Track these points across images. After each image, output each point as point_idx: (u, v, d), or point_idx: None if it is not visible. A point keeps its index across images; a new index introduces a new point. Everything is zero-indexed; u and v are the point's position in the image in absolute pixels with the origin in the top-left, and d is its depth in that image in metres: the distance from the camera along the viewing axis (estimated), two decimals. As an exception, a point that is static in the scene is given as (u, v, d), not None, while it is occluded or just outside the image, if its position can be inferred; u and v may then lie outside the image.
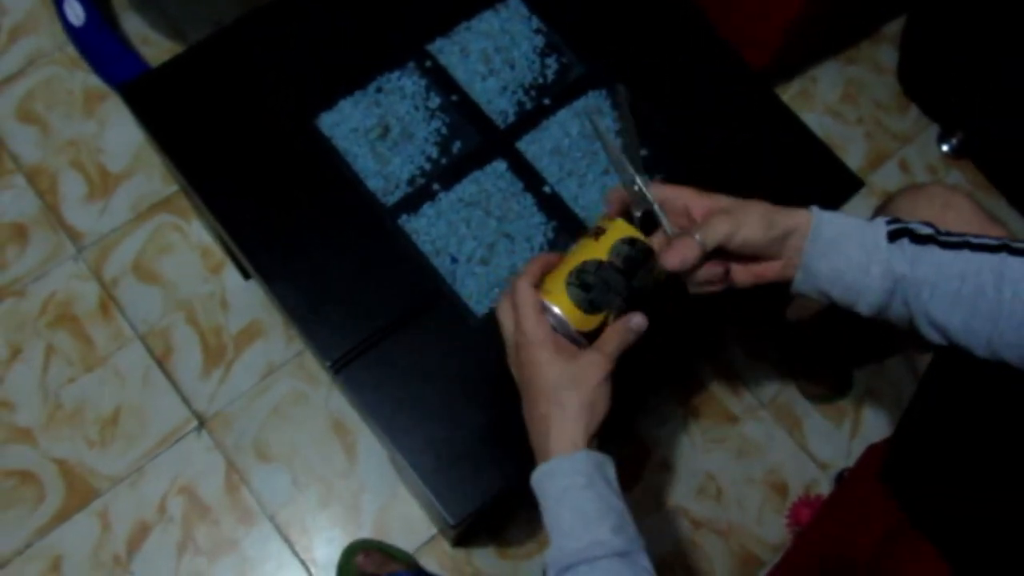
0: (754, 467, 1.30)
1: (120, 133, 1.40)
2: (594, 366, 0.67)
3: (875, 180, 1.51)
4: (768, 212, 0.68)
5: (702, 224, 0.68)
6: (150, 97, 0.94)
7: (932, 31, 1.48)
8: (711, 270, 0.70)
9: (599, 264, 0.69)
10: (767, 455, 1.31)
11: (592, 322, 0.69)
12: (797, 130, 1.00)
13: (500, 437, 0.82)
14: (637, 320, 0.69)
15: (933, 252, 0.66)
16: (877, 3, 1.61)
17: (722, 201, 0.69)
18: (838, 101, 1.56)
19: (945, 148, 1.55)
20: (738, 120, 1.00)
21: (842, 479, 1.28)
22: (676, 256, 0.67)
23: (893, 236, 0.67)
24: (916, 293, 0.66)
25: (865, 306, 0.68)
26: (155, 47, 1.47)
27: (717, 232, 0.67)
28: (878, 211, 0.93)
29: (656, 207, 0.71)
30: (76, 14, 1.40)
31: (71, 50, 1.45)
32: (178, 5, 1.50)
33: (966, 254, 0.65)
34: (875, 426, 1.34)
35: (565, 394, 0.66)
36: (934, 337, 0.68)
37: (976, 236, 0.67)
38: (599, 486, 0.64)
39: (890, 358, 1.34)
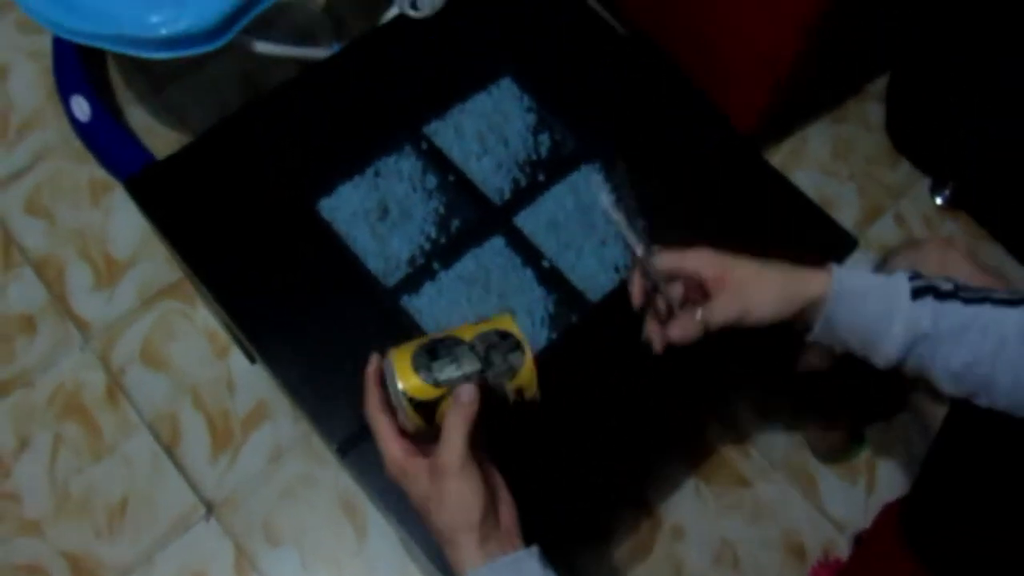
0: (770, 530, 1.29)
1: (126, 221, 1.43)
2: (449, 475, 0.62)
3: (871, 235, 1.52)
4: (786, 285, 0.67)
5: (711, 302, 0.67)
6: (154, 190, 0.96)
7: (916, 85, 1.51)
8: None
9: (458, 341, 0.65)
10: (782, 517, 1.30)
11: (427, 392, 0.64)
12: (789, 192, 1.02)
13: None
14: (467, 390, 0.63)
15: (955, 307, 0.66)
16: (861, 62, 1.64)
17: (736, 269, 0.68)
18: (829, 159, 1.58)
19: (939, 200, 1.57)
20: (730, 186, 1.01)
21: (860, 539, 1.26)
22: (677, 330, 0.67)
23: (917, 294, 0.67)
24: (936, 347, 0.66)
25: (882, 358, 0.68)
26: (160, 137, 1.50)
27: (725, 315, 0.66)
28: (876, 271, 0.94)
29: (658, 280, 0.71)
30: (82, 110, 1.44)
31: (77, 144, 1.48)
32: (182, 96, 1.54)
33: (987, 308, 0.66)
34: (890, 483, 1.33)
35: (436, 518, 0.62)
36: (950, 389, 0.68)
37: (996, 291, 0.68)
38: None
39: (899, 414, 1.33)
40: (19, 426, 1.28)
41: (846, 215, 1.53)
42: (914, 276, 0.69)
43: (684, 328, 0.67)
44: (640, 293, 0.72)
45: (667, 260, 0.71)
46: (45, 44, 1.54)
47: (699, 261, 0.70)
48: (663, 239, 0.95)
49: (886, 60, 1.64)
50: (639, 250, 0.71)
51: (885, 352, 0.67)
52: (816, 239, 0.99)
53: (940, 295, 0.67)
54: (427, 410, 0.65)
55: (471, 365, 0.65)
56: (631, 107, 1.05)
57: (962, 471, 0.79)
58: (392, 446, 0.65)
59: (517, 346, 0.66)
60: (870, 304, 0.67)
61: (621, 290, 0.93)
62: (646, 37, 1.53)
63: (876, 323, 0.67)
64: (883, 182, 1.58)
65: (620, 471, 0.90)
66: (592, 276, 0.93)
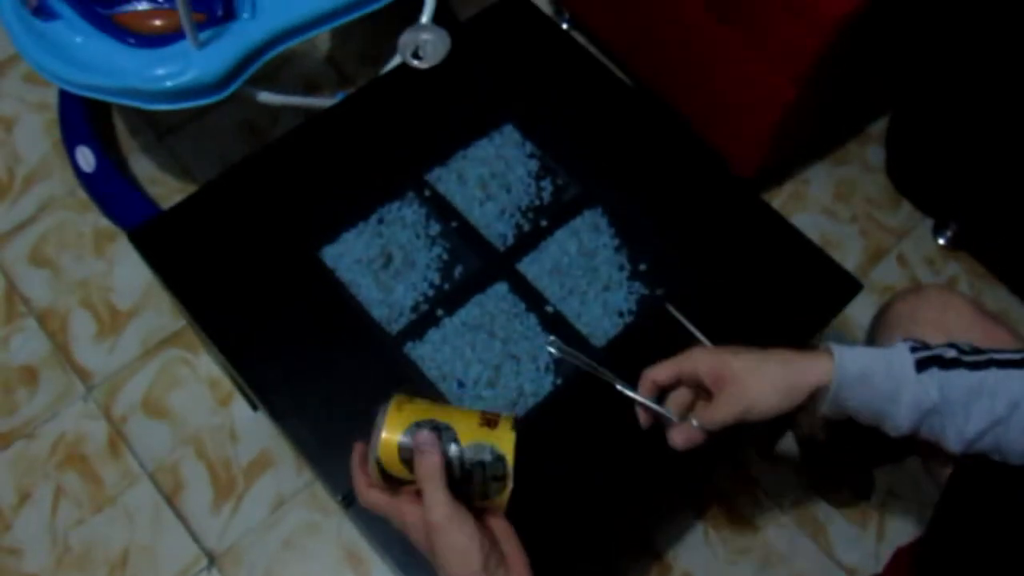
0: (780, 577, 1.27)
1: (129, 271, 1.43)
2: (440, 530, 0.61)
3: (875, 276, 1.52)
4: (786, 377, 0.67)
5: (712, 403, 0.67)
6: (158, 240, 0.96)
7: (917, 127, 1.52)
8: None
9: (454, 438, 0.64)
10: (792, 564, 1.28)
11: (397, 470, 0.64)
12: (791, 236, 1.02)
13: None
14: (424, 438, 0.63)
15: (961, 375, 0.66)
16: (861, 104, 1.66)
17: (733, 364, 0.67)
18: (831, 201, 1.59)
19: (941, 240, 1.57)
20: (732, 230, 1.02)
21: (872, 585, 1.24)
22: (681, 437, 0.67)
23: (921, 366, 0.67)
24: (947, 418, 0.66)
25: (892, 430, 0.68)
26: (163, 187, 1.52)
27: (726, 415, 0.66)
28: (877, 319, 0.94)
29: (651, 404, 0.71)
30: (87, 160, 1.45)
31: (82, 194, 1.50)
32: (186, 146, 1.56)
33: (993, 372, 0.66)
34: (901, 528, 1.31)
35: (440, 572, 0.62)
36: (963, 451, 0.68)
37: (999, 351, 0.67)
38: None
39: (909, 457, 1.32)
40: (20, 478, 1.27)
41: (848, 257, 1.53)
42: (916, 347, 0.68)
43: (687, 435, 0.67)
44: (647, 418, 0.73)
45: (664, 371, 0.71)
46: (51, 96, 1.56)
47: (695, 363, 0.69)
48: (665, 284, 0.96)
49: (886, 102, 1.66)
50: (621, 386, 0.70)
51: (895, 427, 0.67)
52: (819, 282, 0.99)
53: (945, 364, 0.67)
54: (392, 481, 0.65)
55: (454, 465, 0.64)
56: (632, 153, 1.06)
57: (975, 516, 0.78)
58: (392, 509, 0.65)
59: (502, 476, 0.65)
60: (876, 384, 0.66)
61: (625, 335, 0.93)
62: (645, 84, 1.55)
63: (884, 402, 0.66)
64: (885, 224, 1.58)
65: (628, 517, 0.89)
66: (596, 321, 0.93)
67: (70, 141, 1.49)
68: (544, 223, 0.99)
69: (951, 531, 0.80)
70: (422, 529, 0.63)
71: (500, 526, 0.66)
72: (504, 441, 0.65)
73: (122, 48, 1.15)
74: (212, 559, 1.23)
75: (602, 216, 1.00)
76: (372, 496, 0.67)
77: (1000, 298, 1.52)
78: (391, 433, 0.64)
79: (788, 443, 1.35)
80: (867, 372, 0.66)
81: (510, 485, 0.65)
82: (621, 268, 0.96)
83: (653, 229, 0.99)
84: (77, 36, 1.16)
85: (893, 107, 1.59)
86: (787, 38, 1.22)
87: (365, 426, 0.86)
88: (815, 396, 0.67)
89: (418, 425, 0.64)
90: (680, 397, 0.74)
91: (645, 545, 1.27)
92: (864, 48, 1.29)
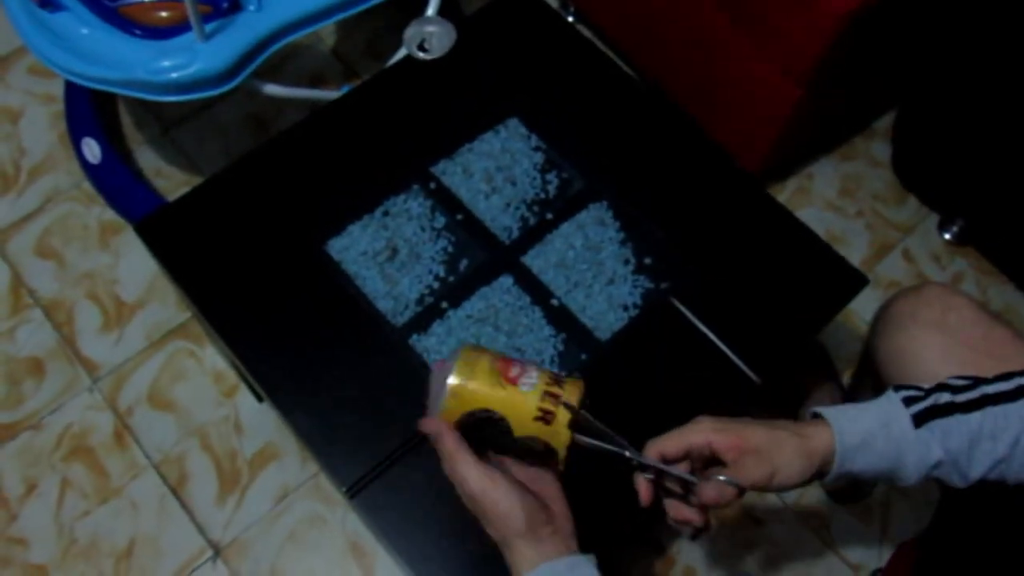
0: (783, 573, 1.27)
1: (135, 263, 1.43)
2: (479, 498, 0.64)
3: (880, 272, 1.52)
4: (802, 444, 0.66)
5: (739, 465, 0.66)
6: (164, 232, 0.96)
7: (923, 122, 1.52)
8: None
9: (508, 430, 0.65)
10: (796, 559, 1.28)
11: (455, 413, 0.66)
12: (797, 230, 1.02)
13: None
14: (428, 424, 0.66)
15: (960, 422, 0.66)
16: (867, 100, 1.66)
17: (748, 433, 0.67)
18: (836, 196, 1.59)
19: (947, 236, 1.57)
20: (737, 225, 1.01)
21: (876, 580, 1.24)
22: (715, 492, 0.65)
23: (919, 420, 0.66)
24: (953, 467, 0.66)
25: (901, 484, 0.68)
26: (169, 180, 1.52)
27: (756, 477, 0.65)
28: (878, 317, 0.94)
29: (674, 471, 0.68)
30: (92, 152, 1.45)
31: (87, 186, 1.50)
32: (191, 139, 1.56)
33: (989, 411, 0.65)
34: (904, 524, 1.31)
35: (487, 530, 0.65)
36: (966, 487, 0.68)
37: (989, 383, 0.67)
38: None
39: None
40: (26, 469, 1.28)
41: (854, 253, 1.53)
42: (909, 398, 0.67)
43: (719, 490, 0.65)
44: (648, 491, 0.70)
45: (672, 443, 0.68)
46: (57, 88, 1.56)
47: (704, 434, 0.68)
48: (671, 278, 0.96)
49: (892, 98, 1.65)
50: (632, 454, 0.68)
51: (904, 482, 0.67)
52: (824, 277, 0.99)
53: (941, 412, 0.66)
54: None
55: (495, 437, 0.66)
56: (637, 147, 1.06)
57: (977, 513, 0.78)
58: (451, 459, 0.66)
59: (552, 457, 0.66)
60: (878, 449, 0.66)
61: (630, 329, 0.93)
62: (650, 78, 1.54)
63: (889, 464, 0.66)
64: (891, 219, 1.58)
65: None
66: (601, 315, 0.93)
67: (76, 133, 1.49)
68: (549, 216, 0.99)
69: (953, 527, 0.80)
70: (465, 492, 0.65)
71: (549, 488, 0.68)
72: (558, 437, 0.65)
73: (128, 40, 1.15)
74: (217, 551, 1.24)
75: (607, 210, 1.00)
76: (447, 441, 0.66)
77: (1006, 294, 1.52)
78: (477, 358, 0.66)
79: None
80: (867, 439, 0.66)
81: (561, 467, 0.67)
82: (626, 262, 0.96)
83: (658, 223, 0.99)
84: (83, 27, 1.16)
85: (899, 102, 1.59)
86: (793, 34, 1.21)
87: (370, 417, 0.87)
88: (815, 471, 0.67)
89: (471, 415, 0.65)
90: (679, 471, 0.71)
91: (647, 539, 1.27)
92: (870, 44, 1.29)
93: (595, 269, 0.96)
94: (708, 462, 0.68)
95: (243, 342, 0.91)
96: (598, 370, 0.90)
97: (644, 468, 0.68)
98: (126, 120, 1.58)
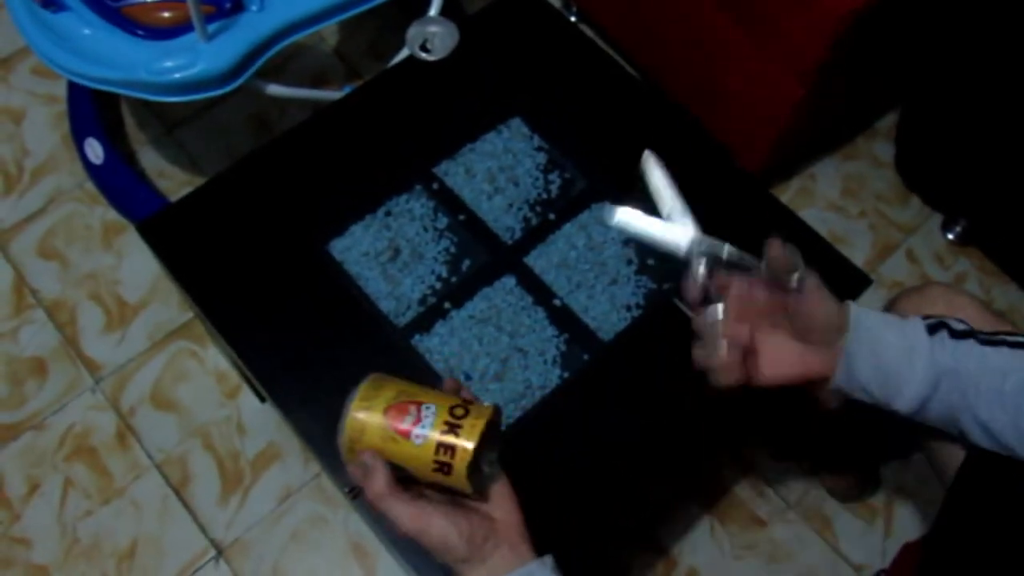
0: (786, 573, 1.26)
1: (137, 264, 1.44)
2: (411, 532, 0.61)
3: (883, 272, 1.52)
4: (836, 308, 0.68)
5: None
6: (166, 233, 0.96)
7: (927, 122, 1.51)
8: (734, 358, 0.68)
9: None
10: (799, 560, 1.28)
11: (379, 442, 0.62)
12: (800, 230, 1.01)
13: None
14: (366, 457, 0.62)
15: (972, 347, 0.65)
16: (869, 100, 1.65)
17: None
18: (839, 196, 1.59)
19: (950, 236, 1.56)
20: (740, 224, 1.01)
21: (879, 581, 1.23)
22: (776, 251, 0.67)
23: (932, 329, 0.66)
24: (960, 389, 0.64)
25: (906, 401, 0.66)
26: (171, 180, 1.52)
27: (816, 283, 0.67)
28: None
29: (728, 249, 0.70)
30: (95, 153, 1.45)
31: (90, 187, 1.50)
32: (194, 139, 1.56)
33: (1005, 351, 0.65)
34: (908, 523, 1.30)
35: (431, 555, 0.62)
36: (977, 438, 0.67)
37: (1010, 334, 0.67)
38: None
39: (915, 454, 1.32)
40: (29, 469, 1.28)
41: (857, 253, 1.53)
42: (925, 316, 0.68)
43: (785, 256, 0.67)
44: (696, 288, 0.70)
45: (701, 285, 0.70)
46: (60, 89, 1.57)
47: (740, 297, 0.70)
48: (676, 278, 0.95)
49: (895, 97, 1.65)
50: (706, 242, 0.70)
51: (909, 392, 0.66)
52: (828, 277, 0.98)
53: (955, 333, 0.66)
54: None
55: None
56: (639, 147, 1.05)
57: (981, 512, 0.77)
58: (381, 505, 0.63)
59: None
60: (890, 336, 0.65)
61: (633, 329, 0.93)
62: (652, 78, 1.54)
63: (897, 359, 0.65)
64: (894, 220, 1.57)
65: (634, 512, 0.89)
66: (604, 315, 0.93)
67: (79, 133, 1.49)
68: (552, 217, 0.99)
69: (957, 527, 0.80)
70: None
71: (495, 490, 0.65)
72: (460, 482, 0.61)
73: (130, 40, 1.15)
74: (219, 551, 1.24)
75: (611, 206, 0.99)
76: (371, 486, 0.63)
77: (1009, 294, 1.52)
78: (373, 401, 0.62)
79: (795, 440, 1.35)
80: (881, 324, 0.66)
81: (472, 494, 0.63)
82: (629, 262, 0.96)
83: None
84: (85, 28, 1.16)
85: (902, 102, 1.58)
86: (795, 34, 1.21)
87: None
88: (838, 353, 0.67)
89: (398, 403, 0.62)
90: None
91: (651, 541, 1.27)
92: (873, 44, 1.28)
93: (597, 269, 0.95)
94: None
95: (245, 342, 0.91)
96: (600, 370, 0.90)
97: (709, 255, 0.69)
98: (129, 120, 1.58)
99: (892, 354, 0.65)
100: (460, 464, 0.60)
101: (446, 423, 0.61)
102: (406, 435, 0.61)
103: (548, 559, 0.63)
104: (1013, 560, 0.74)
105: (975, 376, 0.64)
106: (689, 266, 0.70)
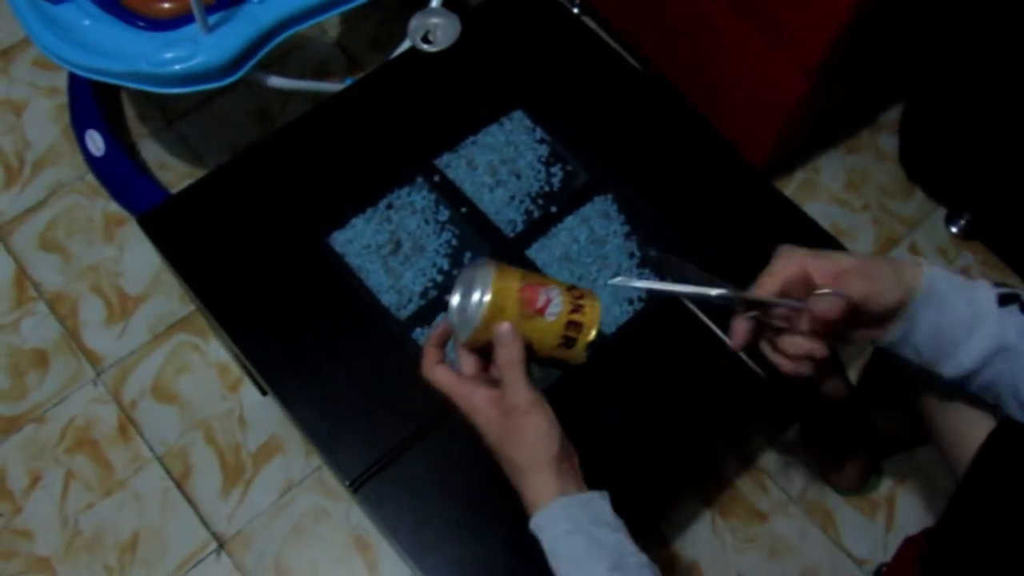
0: (788, 567, 1.26)
1: (139, 256, 1.43)
2: (522, 412, 0.63)
3: (887, 265, 1.51)
4: (896, 269, 0.64)
5: (847, 281, 0.63)
6: (167, 225, 0.96)
7: (931, 115, 1.51)
8: (814, 344, 0.65)
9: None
10: (801, 553, 1.27)
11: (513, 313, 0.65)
12: (803, 223, 1.01)
13: (525, 550, 0.80)
14: (504, 329, 0.64)
15: None
16: (873, 93, 1.65)
17: (844, 262, 0.65)
18: (843, 189, 1.58)
19: (954, 230, 1.56)
20: (743, 217, 1.01)
21: (881, 575, 1.23)
22: (825, 306, 0.62)
23: (1003, 301, 0.63)
24: (1012, 364, 0.63)
25: (953, 369, 0.65)
26: (172, 172, 1.51)
27: (860, 290, 0.62)
28: None
29: (773, 300, 0.65)
30: (96, 145, 1.45)
31: (91, 179, 1.50)
32: (195, 131, 1.56)
33: None
34: (910, 517, 1.30)
35: (514, 453, 0.64)
36: (1012, 410, 0.65)
37: None
38: (587, 527, 0.63)
39: (918, 447, 1.31)
40: (30, 462, 1.28)
41: (861, 246, 1.52)
42: (999, 283, 0.65)
43: (830, 303, 0.62)
44: (743, 333, 0.67)
45: (768, 283, 0.65)
46: (61, 81, 1.56)
47: (798, 262, 0.65)
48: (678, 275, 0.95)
49: (899, 90, 1.64)
50: (733, 293, 0.66)
51: (960, 361, 0.64)
52: (832, 270, 0.98)
53: None
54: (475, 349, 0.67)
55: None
56: (642, 139, 1.05)
57: (994, 509, 0.77)
58: (461, 389, 0.66)
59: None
60: (958, 308, 0.63)
61: (634, 322, 0.92)
62: (655, 70, 1.54)
63: (960, 328, 0.63)
64: (897, 213, 1.57)
65: (635, 506, 0.89)
66: (605, 309, 0.92)
67: (80, 125, 1.49)
68: (554, 210, 0.98)
69: (966, 522, 0.79)
70: (493, 411, 0.64)
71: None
72: (576, 356, 0.67)
73: (131, 31, 1.14)
74: (221, 543, 1.24)
75: (612, 203, 0.99)
76: (439, 374, 0.67)
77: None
78: (508, 281, 0.65)
79: (797, 432, 1.35)
80: (950, 295, 0.63)
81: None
82: (631, 255, 0.96)
83: (663, 216, 0.99)
84: (86, 19, 1.15)
85: (906, 95, 1.58)
86: (800, 26, 1.21)
87: (374, 411, 0.87)
88: (904, 303, 0.63)
89: (529, 282, 0.65)
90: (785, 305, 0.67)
91: (652, 534, 1.27)
92: (877, 36, 1.28)
93: (600, 262, 0.95)
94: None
95: (246, 335, 0.91)
96: (603, 364, 0.90)
97: (749, 306, 0.66)
98: (130, 112, 1.57)
99: (956, 321, 0.63)
100: (584, 338, 0.66)
101: (571, 302, 0.66)
102: (541, 312, 0.65)
103: (606, 493, 0.66)
104: (1019, 555, 0.74)
105: None
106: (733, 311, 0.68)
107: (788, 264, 0.65)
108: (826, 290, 0.64)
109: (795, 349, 0.66)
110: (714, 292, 0.67)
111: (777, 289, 0.65)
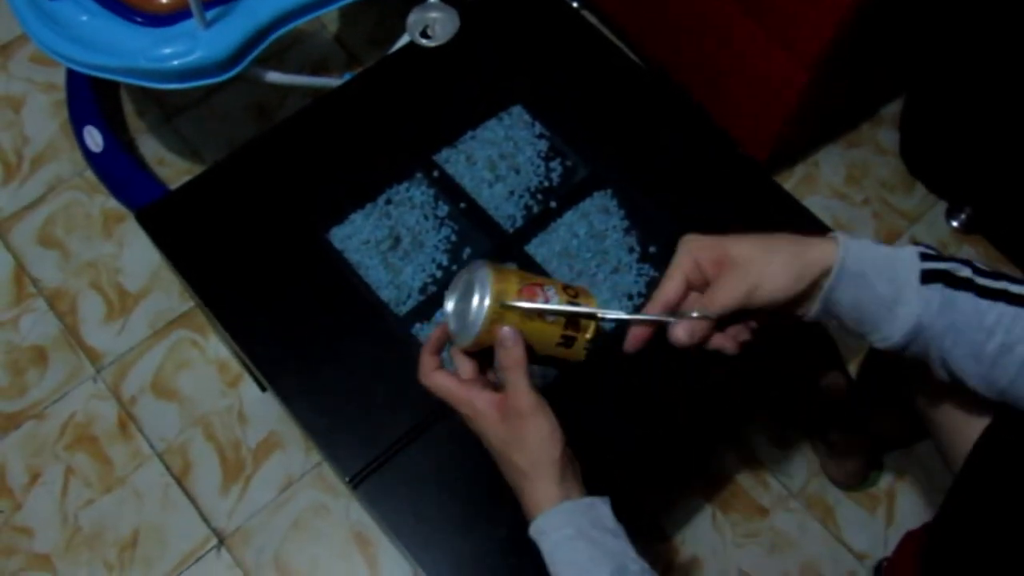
0: (789, 562, 1.26)
1: (138, 253, 1.43)
2: (524, 415, 0.63)
3: (887, 260, 1.51)
4: (795, 254, 0.61)
5: (712, 286, 0.61)
6: (165, 221, 0.96)
7: (932, 109, 1.50)
8: (729, 336, 0.64)
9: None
10: (801, 548, 1.27)
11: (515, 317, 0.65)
12: (802, 218, 1.01)
13: (525, 546, 0.80)
14: (507, 333, 0.64)
15: (967, 300, 0.60)
16: (874, 87, 1.64)
17: (735, 246, 0.62)
18: (843, 183, 1.58)
19: (955, 224, 1.55)
20: (742, 212, 1.01)
21: (881, 570, 1.23)
22: (684, 331, 0.62)
23: (927, 278, 0.60)
24: (938, 339, 0.61)
25: (879, 341, 0.62)
26: (171, 168, 1.51)
27: (729, 296, 0.60)
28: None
29: (646, 317, 0.65)
30: (95, 141, 1.44)
31: (90, 175, 1.49)
32: (193, 127, 1.55)
33: (1001, 306, 0.60)
34: (910, 512, 1.30)
35: (517, 456, 0.64)
36: (939, 374, 0.64)
37: (1018, 284, 0.61)
38: (590, 532, 0.62)
39: (918, 442, 1.31)
40: (30, 459, 1.28)
41: (861, 240, 1.52)
42: (927, 254, 0.62)
43: (689, 328, 0.62)
44: (634, 340, 0.67)
45: (669, 285, 0.64)
46: (59, 77, 1.56)
47: (689, 255, 0.63)
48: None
49: (900, 84, 1.64)
50: (602, 313, 0.67)
51: (883, 335, 0.62)
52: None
53: (953, 282, 0.60)
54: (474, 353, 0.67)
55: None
56: (642, 134, 1.05)
57: (989, 502, 0.77)
58: (461, 394, 0.66)
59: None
60: (877, 285, 0.60)
61: (635, 318, 0.92)
62: (656, 64, 1.53)
63: (880, 305, 0.60)
64: (898, 207, 1.57)
65: (636, 500, 0.89)
66: (605, 304, 0.92)
67: (78, 121, 1.48)
68: (553, 205, 0.98)
69: (963, 516, 0.79)
70: (495, 415, 0.64)
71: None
72: (576, 355, 0.68)
73: (129, 27, 1.14)
74: (221, 539, 1.24)
75: (612, 198, 0.99)
76: (438, 379, 0.67)
77: (1014, 282, 1.51)
78: (507, 284, 0.64)
79: (797, 429, 1.34)
80: (869, 271, 0.60)
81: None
82: (631, 250, 0.96)
83: (663, 211, 0.98)
84: (83, 15, 1.15)
85: (907, 89, 1.57)
86: (801, 21, 1.20)
87: (373, 407, 0.87)
88: (817, 284, 0.61)
89: (528, 284, 0.65)
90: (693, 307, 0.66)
91: (653, 528, 1.27)
92: (877, 30, 1.27)
93: (599, 258, 0.95)
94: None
95: (245, 332, 0.91)
96: (603, 360, 0.89)
97: (626, 322, 0.67)
98: (128, 108, 1.57)
99: (875, 298, 0.61)
100: (583, 337, 0.67)
101: (568, 302, 0.66)
102: (541, 314, 0.65)
103: (607, 499, 0.65)
104: (1018, 552, 0.74)
105: (960, 329, 0.60)
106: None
107: (682, 259, 0.64)
108: (694, 313, 0.63)
109: (714, 344, 0.66)
110: (600, 313, 0.67)
111: (681, 288, 0.64)
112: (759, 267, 0.61)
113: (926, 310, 0.60)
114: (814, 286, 0.61)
